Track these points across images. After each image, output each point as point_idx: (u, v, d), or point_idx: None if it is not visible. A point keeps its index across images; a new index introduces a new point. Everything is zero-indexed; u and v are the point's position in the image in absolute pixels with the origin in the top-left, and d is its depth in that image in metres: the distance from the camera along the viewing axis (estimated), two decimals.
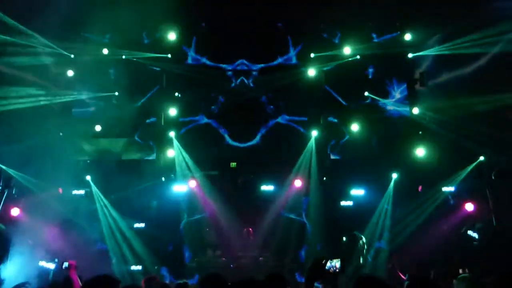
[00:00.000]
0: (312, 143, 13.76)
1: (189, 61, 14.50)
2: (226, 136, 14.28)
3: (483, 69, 11.99)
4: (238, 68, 14.46)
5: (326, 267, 5.22)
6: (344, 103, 14.33)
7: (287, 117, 14.44)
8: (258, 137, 14.30)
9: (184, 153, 13.57)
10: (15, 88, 11.86)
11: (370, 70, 14.28)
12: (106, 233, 12.77)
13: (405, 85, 14.29)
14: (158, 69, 14.14)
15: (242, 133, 14.32)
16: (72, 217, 12.37)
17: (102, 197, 12.92)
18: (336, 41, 14.37)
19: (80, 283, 6.36)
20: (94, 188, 12.94)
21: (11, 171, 11.67)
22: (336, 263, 5.45)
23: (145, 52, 13.73)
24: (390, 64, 14.33)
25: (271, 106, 14.45)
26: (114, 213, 12.91)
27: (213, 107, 14.40)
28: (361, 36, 13.99)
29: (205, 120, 14.36)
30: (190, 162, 13.56)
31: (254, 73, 14.50)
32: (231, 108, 14.35)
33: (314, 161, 13.68)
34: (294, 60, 14.54)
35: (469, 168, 12.62)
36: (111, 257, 12.71)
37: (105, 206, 12.90)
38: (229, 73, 14.46)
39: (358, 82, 14.11)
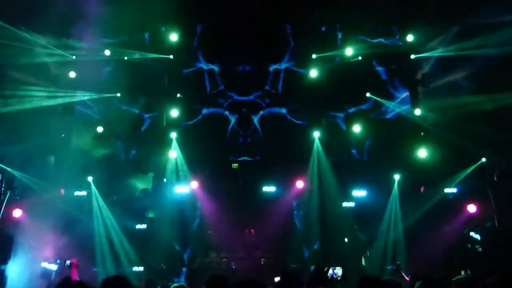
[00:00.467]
0: (317, 144, 13.76)
1: (191, 64, 14.52)
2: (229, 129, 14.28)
3: (484, 70, 11.97)
4: (240, 69, 14.48)
5: (328, 275, 5.26)
6: (345, 104, 14.32)
7: (290, 118, 14.46)
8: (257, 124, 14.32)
9: (181, 156, 13.58)
10: (18, 89, 11.89)
11: (372, 71, 14.25)
12: (99, 235, 12.75)
13: (407, 86, 14.28)
14: (160, 67, 14.12)
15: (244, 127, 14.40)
16: (72, 219, 12.39)
17: (100, 198, 12.93)
18: (338, 42, 14.36)
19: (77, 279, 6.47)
20: (93, 189, 12.96)
21: (14, 172, 11.70)
22: (338, 270, 5.48)
23: (147, 53, 13.77)
24: (392, 65, 14.32)
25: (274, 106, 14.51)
26: (110, 215, 12.89)
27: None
28: (363, 37, 14.00)
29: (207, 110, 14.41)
30: (190, 163, 13.61)
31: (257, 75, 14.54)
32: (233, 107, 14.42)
33: (317, 162, 13.69)
34: (296, 61, 14.54)
35: (471, 169, 12.60)
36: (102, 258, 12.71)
37: (101, 207, 12.87)
38: (231, 74, 14.51)
39: (360, 83, 14.07)
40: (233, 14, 13.70)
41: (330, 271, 5.44)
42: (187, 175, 13.61)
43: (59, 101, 12.71)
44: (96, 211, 12.82)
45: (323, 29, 14.40)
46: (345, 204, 13.38)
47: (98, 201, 12.88)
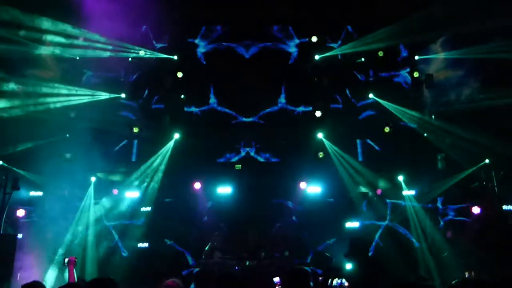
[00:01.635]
0: (329, 144, 13.74)
1: (195, 63, 14.54)
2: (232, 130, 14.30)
3: (489, 71, 11.94)
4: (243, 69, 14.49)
5: (334, 284, 5.21)
6: (348, 104, 14.30)
7: (292, 117, 14.45)
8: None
9: (184, 157, 13.60)
10: (22, 90, 11.94)
11: (375, 71, 14.21)
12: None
13: (411, 87, 14.24)
14: (164, 67, 14.15)
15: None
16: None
17: (92, 199, 12.99)
18: (341, 42, 14.34)
19: (75, 278, 6.68)
20: (91, 190, 13.00)
21: (18, 172, 11.76)
22: (344, 280, 5.44)
23: (151, 53, 13.80)
24: (395, 66, 14.29)
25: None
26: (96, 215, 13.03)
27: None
28: (365, 37, 13.97)
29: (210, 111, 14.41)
30: (193, 164, 13.63)
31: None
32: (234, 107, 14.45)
33: (337, 161, 13.68)
34: (298, 61, 14.54)
35: (474, 168, 12.55)
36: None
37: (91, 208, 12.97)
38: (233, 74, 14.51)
39: (362, 83, 14.06)
40: (234, 14, 13.70)
41: (337, 281, 5.37)
42: (190, 176, 13.64)
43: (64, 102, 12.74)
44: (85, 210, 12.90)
45: (327, 29, 14.36)
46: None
47: (87, 200, 12.94)
